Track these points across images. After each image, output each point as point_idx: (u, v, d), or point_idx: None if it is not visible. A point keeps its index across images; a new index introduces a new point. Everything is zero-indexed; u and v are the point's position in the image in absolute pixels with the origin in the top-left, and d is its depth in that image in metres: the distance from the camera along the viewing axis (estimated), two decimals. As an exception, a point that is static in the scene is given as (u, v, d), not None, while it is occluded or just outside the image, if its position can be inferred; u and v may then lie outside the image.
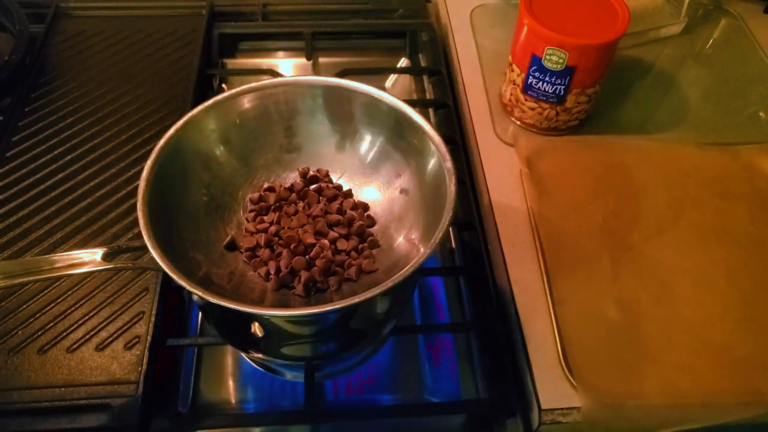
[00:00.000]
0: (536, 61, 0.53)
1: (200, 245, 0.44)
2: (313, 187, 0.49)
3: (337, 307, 0.35)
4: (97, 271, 0.39)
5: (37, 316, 0.46)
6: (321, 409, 0.49)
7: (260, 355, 0.46)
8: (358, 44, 0.76)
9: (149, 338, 0.45)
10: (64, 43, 0.67)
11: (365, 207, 0.48)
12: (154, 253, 0.36)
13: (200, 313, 0.53)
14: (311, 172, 0.50)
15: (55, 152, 0.57)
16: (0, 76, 0.59)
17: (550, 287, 0.47)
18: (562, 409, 0.42)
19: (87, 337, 0.45)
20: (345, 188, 0.49)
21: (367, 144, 0.49)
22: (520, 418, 0.45)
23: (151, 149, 0.42)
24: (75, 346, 0.45)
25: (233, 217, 0.47)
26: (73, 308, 0.47)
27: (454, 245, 0.59)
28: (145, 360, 0.44)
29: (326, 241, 0.45)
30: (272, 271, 0.43)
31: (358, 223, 0.46)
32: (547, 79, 0.53)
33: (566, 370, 0.43)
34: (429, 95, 0.70)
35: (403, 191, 0.47)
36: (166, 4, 0.73)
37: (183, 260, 0.39)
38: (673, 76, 0.66)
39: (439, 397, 0.51)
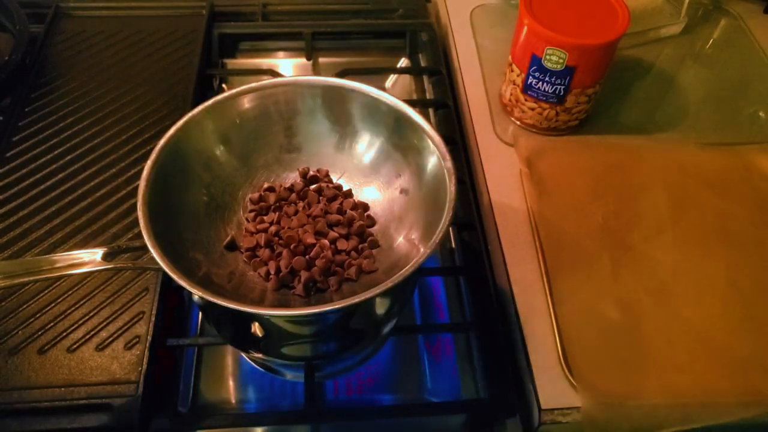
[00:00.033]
0: (536, 61, 0.53)
1: (200, 245, 0.44)
2: (313, 187, 0.49)
3: (337, 307, 0.35)
4: (97, 271, 0.39)
5: (37, 316, 0.46)
6: (321, 409, 0.49)
7: (260, 355, 0.46)
8: (358, 44, 0.76)
9: (149, 338, 0.45)
10: (64, 43, 0.67)
11: (365, 207, 0.48)
12: (154, 253, 0.36)
13: (200, 313, 0.53)
14: (311, 172, 0.50)
15: (55, 152, 0.57)
16: (0, 76, 0.59)
17: (550, 287, 0.47)
18: (562, 409, 0.42)
19: (87, 337, 0.45)
20: (345, 188, 0.49)
21: (367, 144, 0.49)
22: (520, 418, 0.45)
23: (151, 149, 0.42)
24: (75, 346, 0.45)
25: (233, 217, 0.47)
26: (73, 308, 0.47)
27: (454, 245, 0.59)
28: (145, 360, 0.44)
29: (326, 241, 0.45)
30: (272, 271, 0.43)
31: (358, 223, 0.46)
32: (547, 79, 0.53)
33: (566, 370, 0.43)
34: (429, 95, 0.70)
35: (403, 191, 0.47)
36: (166, 4, 0.73)
37: (183, 260, 0.39)
38: (673, 76, 0.66)
39: (439, 397, 0.51)
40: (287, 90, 0.48)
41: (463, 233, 0.55)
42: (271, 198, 0.48)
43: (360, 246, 0.46)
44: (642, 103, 0.63)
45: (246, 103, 0.47)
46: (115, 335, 0.45)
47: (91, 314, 0.46)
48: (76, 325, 0.46)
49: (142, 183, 0.40)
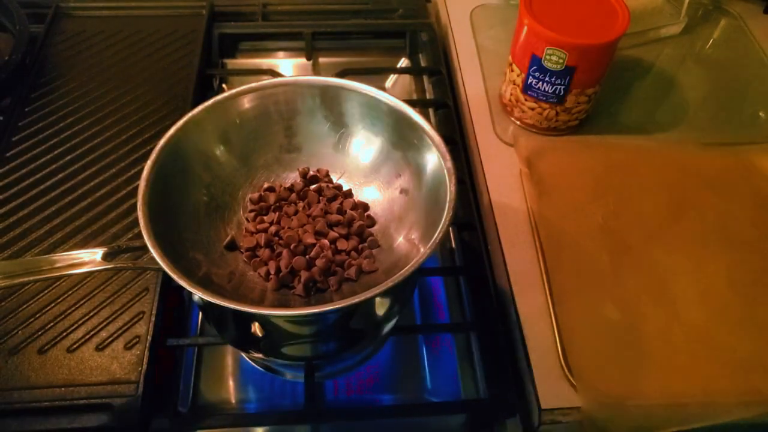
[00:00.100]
0: (536, 61, 0.53)
1: (200, 245, 0.44)
2: (313, 187, 0.49)
3: (337, 307, 0.35)
4: (97, 271, 0.39)
5: (37, 316, 0.46)
6: (321, 409, 0.49)
7: (260, 355, 0.46)
8: (358, 44, 0.76)
9: (149, 338, 0.45)
10: (64, 43, 0.67)
11: (365, 207, 0.48)
12: (154, 253, 0.36)
13: (200, 313, 0.53)
14: (311, 172, 0.50)
15: (55, 152, 0.57)
16: (0, 76, 0.59)
17: (550, 287, 0.47)
18: (562, 409, 0.42)
19: (87, 337, 0.45)
20: (345, 188, 0.49)
21: (367, 144, 0.49)
22: (520, 418, 0.45)
23: (151, 149, 0.42)
24: (75, 346, 0.45)
25: (233, 217, 0.47)
26: (73, 308, 0.47)
27: (454, 245, 0.59)
28: (145, 360, 0.44)
29: (326, 241, 0.45)
30: (272, 271, 0.43)
31: (358, 223, 0.46)
32: (547, 79, 0.53)
33: (566, 370, 0.43)
34: (429, 95, 0.70)
35: (403, 191, 0.47)
36: (166, 4, 0.73)
37: (183, 260, 0.39)
38: (673, 76, 0.66)
39: (439, 397, 0.51)
40: (287, 90, 0.48)
41: (463, 233, 0.55)
42: (271, 198, 0.48)
43: (360, 246, 0.46)
44: (642, 103, 0.63)
45: (246, 103, 0.47)
46: (115, 335, 0.45)
47: (91, 314, 0.46)
48: (76, 325, 0.46)
49: (142, 183, 0.40)
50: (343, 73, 0.63)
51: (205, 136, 0.46)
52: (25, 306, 0.47)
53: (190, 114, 0.44)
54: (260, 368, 0.51)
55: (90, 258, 0.39)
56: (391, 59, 0.76)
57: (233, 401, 0.50)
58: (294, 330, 0.47)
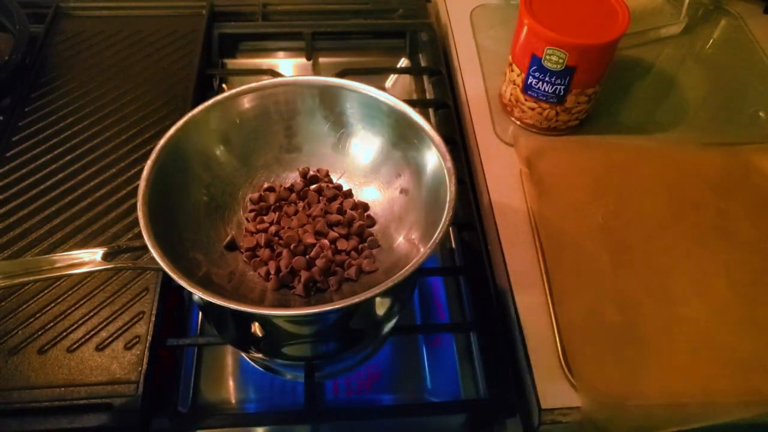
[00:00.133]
0: (536, 61, 0.53)
1: (200, 245, 0.44)
2: (313, 187, 0.49)
3: (337, 307, 0.35)
4: (97, 271, 0.39)
5: (37, 316, 0.46)
6: (321, 409, 0.49)
7: (260, 355, 0.46)
8: (358, 44, 0.76)
9: (149, 338, 0.45)
10: (64, 43, 0.67)
11: (365, 207, 0.48)
12: (154, 253, 0.36)
13: (200, 313, 0.53)
14: (311, 172, 0.50)
15: (55, 152, 0.57)
16: (0, 76, 0.59)
17: (550, 287, 0.47)
18: (562, 409, 0.42)
19: (87, 337, 0.45)
20: (345, 188, 0.49)
21: (367, 144, 0.49)
22: (520, 418, 0.45)
23: (151, 149, 0.42)
24: (75, 346, 0.45)
25: (233, 217, 0.47)
26: (73, 308, 0.47)
27: (454, 245, 0.59)
28: (145, 360, 0.44)
29: (326, 241, 0.45)
30: (272, 271, 0.43)
31: (358, 223, 0.46)
32: (547, 79, 0.53)
33: (566, 370, 0.43)
34: (429, 95, 0.70)
35: (403, 191, 0.47)
36: (166, 4, 0.73)
37: (183, 260, 0.39)
38: (673, 76, 0.66)
39: (439, 397, 0.51)
40: (287, 90, 0.48)
41: (463, 233, 0.55)
42: (271, 198, 0.48)
43: (360, 246, 0.46)
44: (642, 103, 0.63)
45: (246, 103, 0.47)
46: (115, 335, 0.45)
47: (91, 314, 0.46)
48: (76, 325, 0.46)
49: (142, 183, 0.40)
50: (343, 73, 0.63)
51: (205, 136, 0.46)
52: (25, 306, 0.47)
53: (190, 114, 0.44)
54: (260, 368, 0.51)
55: (90, 258, 0.39)
56: (391, 59, 0.76)
57: (233, 401, 0.50)
58: (294, 330, 0.47)
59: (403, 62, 0.77)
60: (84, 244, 0.50)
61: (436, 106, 0.66)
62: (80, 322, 0.46)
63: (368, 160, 0.49)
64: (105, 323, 0.46)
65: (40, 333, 0.45)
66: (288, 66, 0.75)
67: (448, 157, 0.42)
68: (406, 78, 0.75)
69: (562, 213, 0.51)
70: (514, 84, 0.57)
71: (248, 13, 0.76)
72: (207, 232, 0.45)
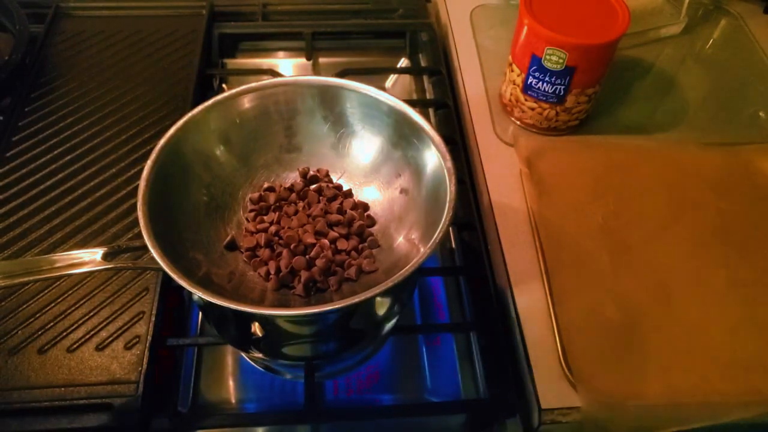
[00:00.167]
0: (536, 61, 0.53)
1: (200, 245, 0.44)
2: (313, 187, 0.49)
3: (337, 307, 0.35)
4: (97, 271, 0.39)
5: (37, 316, 0.46)
6: (321, 409, 0.49)
7: (260, 355, 0.46)
8: (358, 44, 0.76)
9: (149, 338, 0.45)
10: (64, 43, 0.67)
11: (365, 207, 0.48)
12: (154, 253, 0.36)
13: (200, 313, 0.53)
14: (311, 172, 0.50)
15: (55, 152, 0.57)
16: (0, 76, 0.59)
17: (550, 287, 0.47)
18: (562, 409, 0.42)
19: (87, 337, 0.45)
20: (345, 188, 0.49)
21: (367, 144, 0.49)
22: (520, 418, 0.45)
23: (151, 149, 0.42)
24: (75, 346, 0.45)
25: (233, 217, 0.47)
26: (73, 308, 0.47)
27: (454, 245, 0.59)
28: (145, 360, 0.44)
29: (326, 241, 0.45)
30: (272, 271, 0.43)
31: (358, 223, 0.46)
32: (547, 79, 0.53)
33: (566, 370, 0.43)
34: (429, 95, 0.70)
35: (403, 191, 0.47)
36: (166, 4, 0.73)
37: (183, 260, 0.39)
38: (673, 76, 0.66)
39: (439, 397, 0.51)
40: (287, 90, 0.48)
41: (463, 233, 0.55)
42: (271, 198, 0.48)
43: (360, 246, 0.46)
44: (642, 103, 0.63)
45: (246, 103, 0.47)
46: (115, 335, 0.45)
47: (91, 314, 0.46)
48: (76, 325, 0.46)
49: (142, 183, 0.40)
50: (343, 73, 0.63)
51: (205, 136, 0.46)
52: (25, 306, 0.47)
53: (190, 114, 0.44)
54: (260, 368, 0.51)
55: (90, 258, 0.39)
56: (391, 59, 0.76)
57: (233, 401, 0.50)
58: (294, 330, 0.47)
59: (403, 62, 0.77)
60: (84, 244, 0.50)
61: (436, 106, 0.66)
62: (80, 322, 0.46)
63: (368, 160, 0.49)
64: (105, 323, 0.46)
65: (40, 333, 0.45)
66: (288, 66, 0.75)
67: (448, 157, 0.42)
68: (406, 78, 0.75)
69: (562, 213, 0.51)
70: (514, 84, 0.57)
71: (248, 13, 0.76)
72: (207, 232, 0.45)
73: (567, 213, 0.51)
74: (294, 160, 0.50)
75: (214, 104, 0.45)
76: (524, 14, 0.52)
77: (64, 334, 0.45)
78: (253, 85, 0.46)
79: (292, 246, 0.44)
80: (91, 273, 0.48)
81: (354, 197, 0.49)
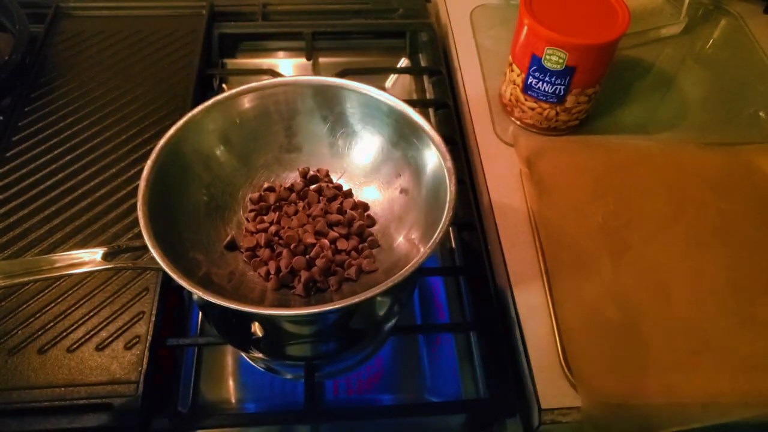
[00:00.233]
0: (536, 61, 0.53)
1: (200, 245, 0.44)
2: (313, 187, 0.49)
3: (337, 307, 0.35)
4: (97, 271, 0.39)
5: (37, 316, 0.46)
6: (321, 409, 0.49)
7: (260, 355, 0.46)
8: (358, 44, 0.76)
9: (149, 338, 0.45)
10: (64, 43, 0.67)
11: (365, 207, 0.48)
12: (154, 253, 0.36)
13: (200, 313, 0.53)
14: (311, 172, 0.50)
15: (55, 152, 0.57)
16: (0, 76, 0.59)
17: (550, 287, 0.47)
18: (562, 409, 0.42)
19: (87, 337, 0.45)
20: (345, 188, 0.49)
21: (367, 144, 0.49)
22: (520, 418, 0.45)
23: (151, 149, 0.42)
24: (75, 346, 0.45)
25: (233, 216, 0.47)
26: (73, 308, 0.47)
27: (454, 245, 0.59)
28: (145, 360, 0.44)
29: (326, 241, 0.45)
30: (272, 271, 0.43)
31: (358, 223, 0.46)
32: (547, 79, 0.53)
33: (566, 370, 0.43)
34: (429, 95, 0.70)
35: (403, 191, 0.47)
36: (166, 4, 0.73)
37: (183, 260, 0.39)
38: (673, 76, 0.66)
39: (439, 397, 0.51)
40: (287, 90, 0.48)
41: (463, 233, 0.55)
42: (271, 198, 0.48)
43: (360, 246, 0.46)
44: (642, 103, 0.63)
45: (246, 103, 0.47)
46: (115, 335, 0.45)
47: (91, 314, 0.46)
48: (76, 325, 0.46)
49: (142, 183, 0.40)
50: (343, 73, 0.63)
51: (205, 136, 0.46)
52: (25, 306, 0.47)
53: (190, 114, 0.44)
54: (260, 368, 0.51)
55: (90, 258, 0.39)
56: (391, 59, 0.76)
57: (233, 401, 0.50)
58: (294, 330, 0.47)
59: (403, 62, 0.77)
60: (84, 244, 0.50)
61: (436, 106, 0.66)
62: (80, 322, 0.46)
63: (368, 160, 0.49)
64: (105, 323, 0.46)
65: (40, 333, 0.45)
66: (288, 66, 0.75)
67: (448, 157, 0.42)
68: (406, 78, 0.75)
69: (562, 213, 0.51)
70: (514, 84, 0.57)
71: (248, 13, 0.76)
72: (207, 232, 0.45)
73: (567, 213, 0.51)
74: (294, 160, 0.50)
75: (214, 104, 0.45)
76: (524, 14, 0.52)
77: (64, 334, 0.45)
78: (253, 85, 0.46)
79: (292, 246, 0.44)
80: (91, 273, 0.48)
81: (354, 197, 0.49)
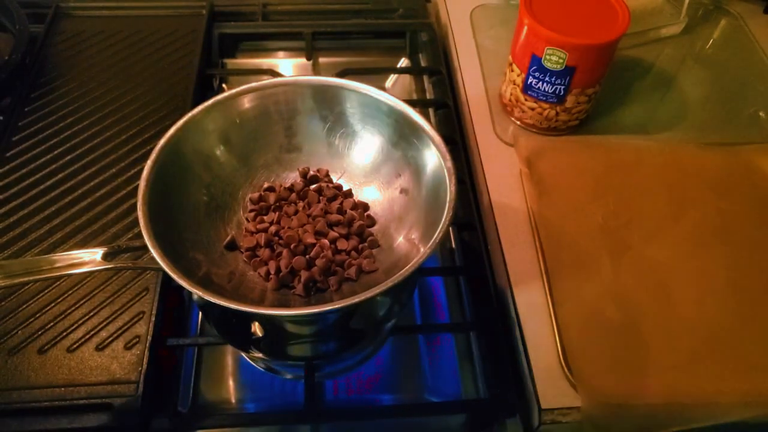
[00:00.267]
0: (536, 61, 0.53)
1: (200, 245, 0.44)
2: (313, 186, 0.49)
3: (337, 307, 0.35)
4: (97, 271, 0.39)
5: (37, 316, 0.46)
6: (321, 409, 0.49)
7: (260, 355, 0.46)
8: (358, 44, 0.76)
9: (149, 338, 0.45)
10: (64, 43, 0.67)
11: (365, 207, 0.48)
12: (155, 253, 0.36)
13: (200, 313, 0.53)
14: (311, 172, 0.50)
15: (55, 152, 0.57)
16: (0, 76, 0.59)
17: (550, 287, 0.47)
18: (562, 409, 0.42)
19: (87, 337, 0.45)
20: (345, 188, 0.49)
21: (367, 144, 0.49)
22: (520, 418, 0.45)
23: (151, 149, 0.42)
24: (75, 346, 0.45)
25: (233, 216, 0.47)
26: (73, 308, 0.47)
27: (454, 245, 0.59)
28: (145, 360, 0.44)
29: (326, 241, 0.45)
30: (272, 271, 0.43)
31: (358, 223, 0.46)
32: (547, 79, 0.53)
33: (566, 370, 0.43)
34: (429, 95, 0.70)
35: (403, 191, 0.47)
36: (166, 4, 0.73)
37: (183, 260, 0.39)
38: (673, 76, 0.66)
39: (439, 397, 0.51)
40: (287, 90, 0.48)
41: (463, 233, 0.55)
42: (271, 198, 0.48)
43: (360, 246, 0.46)
44: (642, 103, 0.63)
45: (246, 103, 0.47)
46: (115, 335, 0.45)
47: (91, 314, 0.46)
48: (76, 325, 0.46)
49: (142, 183, 0.40)
50: (343, 73, 0.63)
51: (205, 136, 0.46)
52: (25, 306, 0.47)
53: (190, 114, 0.44)
54: (260, 368, 0.51)
55: (90, 258, 0.39)
56: (391, 59, 0.76)
57: (233, 401, 0.50)
58: (294, 330, 0.47)
59: (403, 62, 0.77)
60: (84, 244, 0.50)
61: (436, 106, 0.66)
62: (80, 322, 0.46)
63: (368, 160, 0.49)
64: (105, 323, 0.46)
65: (40, 333, 0.45)
66: (288, 66, 0.75)
67: (448, 157, 0.42)
68: (406, 78, 0.75)
69: (562, 213, 0.51)
70: (514, 84, 0.57)
71: (248, 13, 0.76)
72: (207, 232, 0.45)
73: (567, 213, 0.51)
74: (294, 160, 0.50)
75: (214, 104, 0.45)
76: (524, 14, 0.52)
77: (64, 334, 0.45)
78: (253, 85, 0.46)
79: (292, 246, 0.44)
80: (91, 273, 0.48)
81: (354, 197, 0.49)
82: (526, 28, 0.52)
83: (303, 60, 0.73)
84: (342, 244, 0.45)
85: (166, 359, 0.48)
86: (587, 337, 0.44)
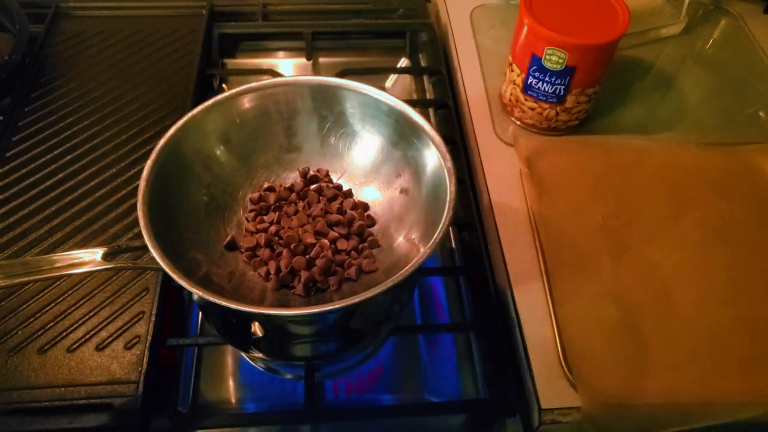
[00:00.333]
0: (536, 61, 0.53)
1: (200, 245, 0.44)
2: (313, 186, 0.49)
3: (337, 307, 0.35)
4: (97, 271, 0.39)
5: (37, 316, 0.46)
6: (321, 409, 0.49)
7: (260, 355, 0.46)
8: (358, 44, 0.76)
9: (149, 338, 0.45)
10: (64, 43, 0.67)
11: (365, 207, 0.48)
12: (155, 253, 0.36)
13: (200, 313, 0.53)
14: (311, 172, 0.50)
15: (55, 152, 0.57)
16: (0, 76, 0.59)
17: (550, 287, 0.47)
18: (562, 409, 0.42)
19: (87, 337, 0.45)
20: (345, 188, 0.49)
21: (368, 144, 0.49)
22: (520, 418, 0.45)
23: (151, 149, 0.42)
24: (75, 346, 0.45)
25: (233, 216, 0.47)
26: (73, 308, 0.47)
27: (454, 245, 0.59)
28: (145, 360, 0.44)
29: (326, 241, 0.45)
30: (272, 271, 0.43)
31: (358, 223, 0.46)
32: (547, 79, 0.53)
33: (566, 370, 0.43)
34: (429, 95, 0.70)
35: (403, 191, 0.47)
36: (166, 4, 0.73)
37: (183, 260, 0.39)
38: (673, 76, 0.66)
39: (439, 397, 0.51)
40: (287, 90, 0.48)
41: (463, 233, 0.55)
42: (271, 198, 0.48)
43: (360, 246, 0.46)
44: (642, 103, 0.63)
45: (246, 103, 0.47)
46: (115, 335, 0.45)
47: (91, 314, 0.46)
48: (76, 325, 0.46)
49: (142, 183, 0.40)
50: (343, 73, 0.63)
51: (205, 136, 0.46)
52: (25, 306, 0.47)
53: (190, 114, 0.44)
54: (260, 368, 0.51)
55: (90, 258, 0.39)
56: (391, 59, 0.76)
57: (233, 401, 0.50)
58: (294, 330, 0.47)
59: (403, 62, 0.77)
60: (84, 244, 0.50)
61: (436, 106, 0.66)
62: (80, 322, 0.46)
63: (368, 160, 0.49)
64: (105, 323, 0.46)
65: (40, 333, 0.45)
66: (288, 66, 0.75)
67: (448, 157, 0.42)
68: (406, 78, 0.75)
69: (562, 213, 0.51)
70: (514, 84, 0.57)
71: (248, 13, 0.76)
72: (207, 232, 0.45)
73: (567, 213, 0.51)
74: (294, 160, 0.50)
75: (214, 104, 0.45)
76: (524, 14, 0.52)
77: (64, 334, 0.45)
78: (253, 85, 0.46)
79: (292, 246, 0.44)
80: (91, 273, 0.48)
81: (354, 197, 0.49)
82: (526, 28, 0.52)
83: (303, 60, 0.73)
84: (342, 244, 0.45)
85: (166, 359, 0.48)
86: (587, 337, 0.44)
